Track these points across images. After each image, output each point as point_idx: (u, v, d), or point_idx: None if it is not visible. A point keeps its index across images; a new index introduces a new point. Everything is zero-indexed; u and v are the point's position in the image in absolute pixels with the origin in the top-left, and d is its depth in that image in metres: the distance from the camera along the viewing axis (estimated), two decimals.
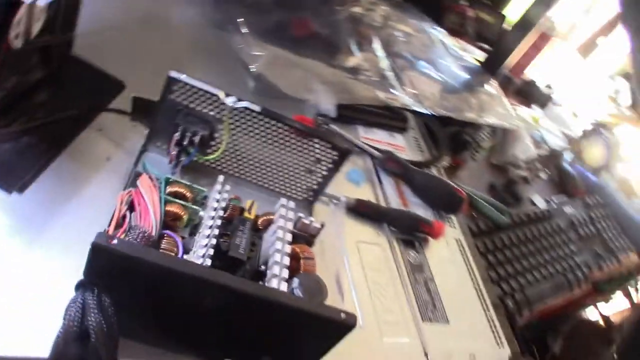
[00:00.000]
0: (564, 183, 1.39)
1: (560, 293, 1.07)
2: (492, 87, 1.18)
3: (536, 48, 1.46)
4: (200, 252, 0.51)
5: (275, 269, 0.53)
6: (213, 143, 0.64)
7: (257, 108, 0.60)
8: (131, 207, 0.54)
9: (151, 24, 0.86)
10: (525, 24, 1.15)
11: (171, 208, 0.55)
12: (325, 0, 0.98)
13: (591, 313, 1.47)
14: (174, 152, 0.62)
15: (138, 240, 0.48)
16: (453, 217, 0.90)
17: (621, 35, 2.33)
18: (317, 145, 0.65)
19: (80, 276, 0.49)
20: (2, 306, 0.48)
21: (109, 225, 0.51)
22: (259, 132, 0.63)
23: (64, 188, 0.59)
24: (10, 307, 0.48)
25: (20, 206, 0.55)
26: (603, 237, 1.29)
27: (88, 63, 0.72)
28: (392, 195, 0.84)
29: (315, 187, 0.70)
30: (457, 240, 0.87)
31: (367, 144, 0.86)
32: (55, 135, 0.63)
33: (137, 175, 0.59)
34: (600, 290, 1.27)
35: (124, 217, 0.52)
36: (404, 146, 0.95)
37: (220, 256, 0.54)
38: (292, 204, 0.60)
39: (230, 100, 0.60)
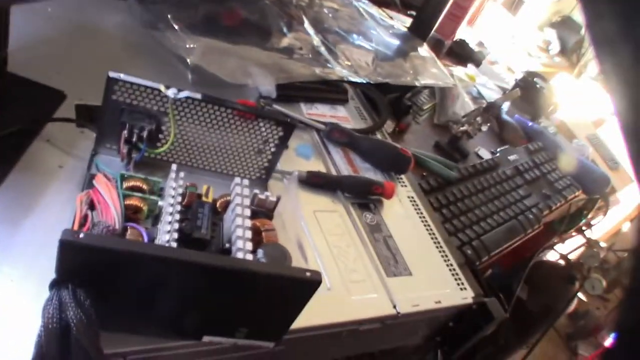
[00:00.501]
0: (505, 133, 1.45)
1: (514, 236, 1.12)
2: (424, 50, 1.23)
3: (461, 8, 1.51)
4: (165, 238, 0.53)
5: (239, 243, 0.56)
6: (162, 136, 0.66)
7: (198, 96, 0.63)
8: (92, 207, 0.56)
9: (82, 33, 0.86)
10: None
11: (130, 201, 0.57)
12: None
13: (550, 255, 1.55)
14: (124, 150, 0.64)
15: (103, 234, 0.50)
16: (403, 177, 0.94)
17: None
18: (262, 125, 0.68)
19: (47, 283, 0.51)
20: None
21: (72, 225, 0.53)
22: (204, 119, 0.65)
23: (21, 201, 0.60)
24: None
25: None
26: (548, 179, 1.36)
27: (25, 78, 0.73)
28: (341, 164, 0.87)
29: (266, 165, 0.72)
30: (410, 197, 0.91)
31: (311, 119, 0.89)
32: (4, 152, 0.64)
33: (92, 177, 0.61)
34: (554, 230, 1.35)
35: (85, 216, 0.54)
36: (347, 117, 0.98)
37: (185, 239, 0.56)
38: (246, 181, 0.63)
39: (171, 92, 0.62)
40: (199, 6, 0.92)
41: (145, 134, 0.64)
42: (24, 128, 0.67)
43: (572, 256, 1.64)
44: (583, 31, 2.62)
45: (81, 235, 0.43)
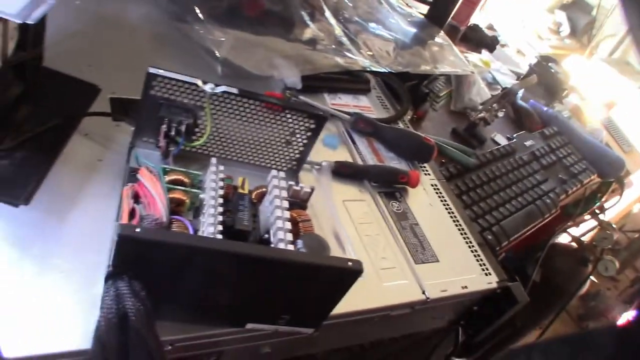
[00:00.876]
0: (520, 119, 1.46)
1: (532, 221, 1.14)
2: (441, 38, 1.24)
3: None
4: (210, 230, 0.55)
5: (280, 234, 0.58)
6: (198, 130, 0.67)
7: (234, 90, 0.64)
8: (136, 199, 0.58)
9: (109, 25, 0.88)
10: None
11: (174, 195, 0.59)
12: None
13: (563, 238, 1.57)
14: (163, 144, 0.65)
15: (153, 227, 0.52)
16: (426, 165, 0.95)
17: None
18: (289, 117, 0.69)
19: (99, 270, 0.53)
20: (33, 306, 0.51)
21: (120, 218, 0.55)
22: (239, 113, 0.67)
23: (65, 195, 0.62)
24: (39, 306, 0.52)
25: (30, 217, 0.58)
26: (564, 163, 1.37)
27: (59, 72, 0.74)
28: (367, 153, 0.89)
29: (298, 156, 0.74)
30: (434, 185, 0.92)
31: (336, 109, 0.90)
32: (46, 146, 0.66)
33: (133, 170, 0.63)
34: (569, 214, 1.36)
35: (132, 209, 0.56)
36: (370, 106, 1.00)
37: (228, 231, 0.58)
38: (282, 174, 0.65)
39: (208, 87, 0.63)
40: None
41: (183, 128, 0.66)
42: (62, 123, 0.69)
43: (585, 238, 1.67)
44: (594, 12, 2.61)
45: (138, 230, 0.45)
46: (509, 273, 0.91)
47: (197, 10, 0.84)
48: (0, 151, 0.63)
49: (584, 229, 1.70)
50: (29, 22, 0.44)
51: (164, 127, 0.65)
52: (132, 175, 0.62)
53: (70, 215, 0.60)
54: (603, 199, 1.53)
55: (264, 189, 0.66)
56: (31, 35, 0.65)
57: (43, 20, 0.67)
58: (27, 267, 0.54)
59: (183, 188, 0.60)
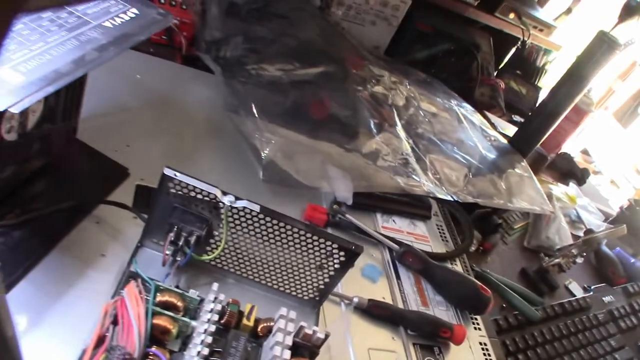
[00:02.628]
0: (602, 268, 1.30)
1: None
2: (522, 168, 1.12)
3: (572, 122, 1.40)
4: None
5: None
6: (212, 241, 0.60)
7: (256, 208, 0.56)
8: (115, 321, 0.50)
9: (164, 104, 0.84)
10: (558, 106, 1.10)
11: (159, 321, 0.51)
12: (344, 80, 0.95)
13: None
14: (168, 252, 0.58)
15: None
16: (478, 317, 0.83)
17: None
18: (318, 245, 0.60)
19: None
20: None
21: (91, 340, 0.47)
22: (260, 231, 0.59)
23: (51, 289, 0.55)
24: None
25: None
26: None
27: (92, 148, 0.70)
28: (410, 293, 0.77)
29: (322, 287, 0.64)
30: (482, 343, 0.79)
31: (385, 235, 0.81)
32: (50, 228, 0.60)
33: (130, 277, 0.55)
34: None
35: (106, 331, 0.48)
36: (426, 235, 0.89)
37: None
38: (293, 313, 0.55)
39: (227, 199, 0.56)
40: (289, 92, 0.88)
41: (193, 239, 0.58)
42: (76, 206, 0.63)
43: None
44: None
45: None
46: None
47: (252, 104, 0.79)
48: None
49: None
50: (15, 110, 0.39)
51: (171, 235, 0.57)
52: (124, 285, 0.54)
53: (48, 316, 0.53)
54: None
55: (272, 323, 0.57)
56: (61, 107, 0.61)
57: (79, 94, 0.64)
58: None
59: (172, 314, 0.52)
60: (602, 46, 1.04)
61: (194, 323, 0.53)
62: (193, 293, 0.54)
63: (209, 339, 0.50)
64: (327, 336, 0.56)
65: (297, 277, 0.64)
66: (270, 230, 0.58)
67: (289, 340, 0.53)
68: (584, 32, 1.71)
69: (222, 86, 0.83)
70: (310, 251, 0.61)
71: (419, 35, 1.30)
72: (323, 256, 0.61)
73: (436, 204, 0.95)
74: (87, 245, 0.61)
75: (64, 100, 0.60)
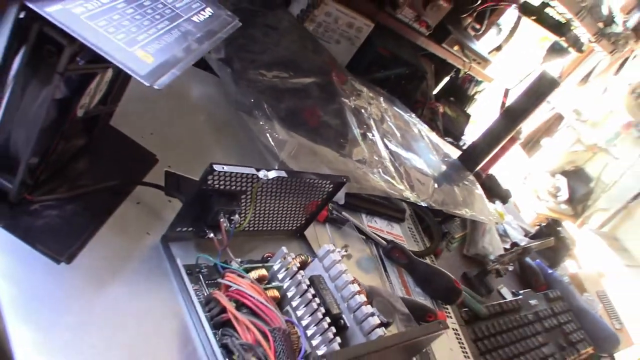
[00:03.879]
0: (526, 276, 1.46)
1: None
2: (471, 182, 1.26)
3: (503, 148, 1.57)
4: (329, 336, 0.58)
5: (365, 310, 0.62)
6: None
7: (283, 174, 0.66)
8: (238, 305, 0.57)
9: (175, 97, 0.88)
10: (502, 132, 1.25)
11: (271, 294, 0.59)
12: (331, 92, 1.03)
13: None
14: (222, 236, 0.63)
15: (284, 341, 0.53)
16: (449, 307, 0.94)
17: (562, 139, 2.53)
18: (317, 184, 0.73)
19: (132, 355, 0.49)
20: None
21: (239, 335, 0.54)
22: (279, 189, 0.69)
23: (107, 262, 0.59)
24: None
25: (68, 278, 0.54)
26: (564, 329, 1.36)
27: (123, 134, 0.73)
28: (396, 284, 0.87)
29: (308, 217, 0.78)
30: (454, 329, 0.90)
31: (373, 233, 0.90)
32: (98, 205, 0.63)
33: (191, 268, 0.62)
34: None
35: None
36: (402, 235, 0.99)
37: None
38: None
39: (262, 174, 0.63)
40: (285, 99, 0.95)
41: (235, 217, 0.64)
42: (118, 185, 0.67)
43: None
44: (593, 184, 2.71)
45: None
46: None
47: (266, 106, 0.85)
48: (52, 200, 0.60)
49: None
50: (156, 86, 0.43)
51: (222, 219, 0.62)
52: (204, 275, 0.63)
53: (109, 287, 0.56)
54: None
55: (305, 258, 0.69)
56: (113, 93, 0.64)
57: (128, 81, 0.67)
58: (60, 334, 0.49)
59: (273, 285, 0.60)
60: (544, 84, 1.20)
61: (286, 283, 0.62)
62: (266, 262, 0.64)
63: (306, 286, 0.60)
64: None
65: (293, 214, 0.75)
66: (287, 186, 0.69)
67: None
68: (512, 68, 1.92)
69: (233, 86, 0.88)
70: (313, 190, 0.72)
71: (377, 57, 1.41)
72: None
73: (408, 209, 1.06)
74: (133, 224, 0.64)
75: (118, 86, 0.64)
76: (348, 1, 1.29)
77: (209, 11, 0.59)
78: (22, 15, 0.43)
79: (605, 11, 1.27)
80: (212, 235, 0.63)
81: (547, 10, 1.39)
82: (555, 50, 1.62)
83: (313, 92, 1.00)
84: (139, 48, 0.46)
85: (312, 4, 1.25)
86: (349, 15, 1.30)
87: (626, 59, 2.17)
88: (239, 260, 0.62)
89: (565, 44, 1.47)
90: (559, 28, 1.41)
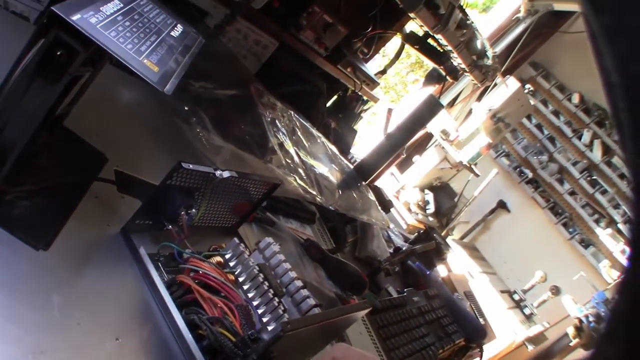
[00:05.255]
0: (408, 277, 1.64)
1: None
2: (366, 189, 1.41)
3: (389, 163, 1.75)
4: (279, 312, 0.67)
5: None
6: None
7: (235, 174, 0.75)
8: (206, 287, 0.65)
9: (112, 100, 0.93)
10: (393, 147, 1.43)
11: (231, 276, 0.68)
12: (250, 104, 1.13)
13: None
14: (170, 227, 0.70)
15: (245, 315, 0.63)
16: (355, 297, 1.06)
17: (431, 157, 2.79)
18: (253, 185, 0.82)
19: (111, 329, 0.56)
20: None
21: (205, 311, 0.63)
22: (227, 188, 0.77)
23: (79, 249, 0.64)
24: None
25: (48, 264, 0.59)
26: (441, 322, 1.55)
27: (76, 134, 0.77)
28: (313, 276, 0.98)
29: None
30: (362, 318, 1.03)
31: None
32: (63, 198, 0.68)
33: (156, 256, 0.69)
34: None
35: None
36: (312, 236, 1.11)
37: None
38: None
39: (218, 173, 0.71)
40: (209, 108, 1.03)
41: (193, 211, 0.72)
42: (79, 180, 0.71)
43: None
44: (456, 199, 3.02)
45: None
46: None
47: (202, 114, 0.93)
48: (23, 191, 0.64)
49: None
50: (166, 92, 0.51)
51: (183, 213, 0.70)
52: (162, 263, 0.69)
53: (85, 271, 0.62)
54: None
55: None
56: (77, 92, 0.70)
57: (88, 85, 0.72)
58: (49, 312, 0.55)
59: (227, 271, 0.68)
60: (431, 106, 1.38)
61: (238, 269, 0.70)
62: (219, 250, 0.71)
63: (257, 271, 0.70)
64: None
65: (231, 212, 0.84)
66: (232, 186, 0.78)
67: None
68: (393, 91, 2.12)
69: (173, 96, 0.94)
70: (252, 189, 0.82)
71: (280, 74, 1.53)
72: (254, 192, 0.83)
73: (317, 212, 1.18)
74: (94, 216, 0.70)
75: (80, 88, 0.70)
76: (256, 20, 1.39)
77: (180, 27, 0.67)
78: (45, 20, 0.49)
79: (479, 46, 1.48)
80: (170, 227, 0.71)
81: (429, 41, 1.58)
82: (433, 77, 1.83)
83: (235, 103, 1.09)
84: (145, 58, 0.53)
85: (226, 21, 1.33)
86: (257, 33, 1.40)
87: (487, 88, 2.48)
88: (190, 251, 0.70)
89: (443, 72, 1.67)
90: (438, 57, 1.61)
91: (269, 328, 0.67)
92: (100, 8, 0.52)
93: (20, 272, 0.56)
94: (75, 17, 0.48)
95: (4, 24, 0.82)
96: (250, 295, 0.69)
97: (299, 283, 0.74)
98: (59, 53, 0.51)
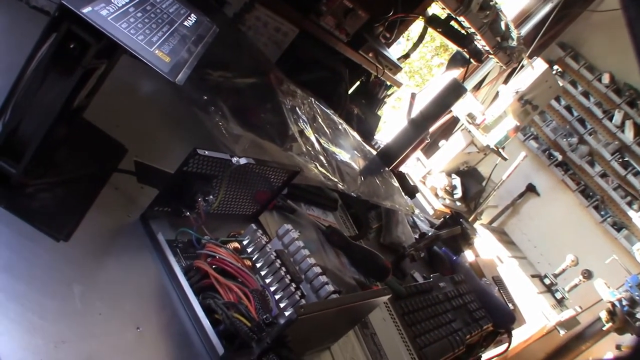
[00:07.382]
0: (433, 262, 1.63)
1: (446, 352, 1.26)
2: (389, 175, 1.40)
3: (414, 148, 1.73)
4: (296, 298, 0.68)
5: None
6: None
7: (252, 161, 0.75)
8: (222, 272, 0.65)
9: (131, 92, 0.93)
10: (416, 132, 1.41)
11: (248, 262, 0.69)
12: (270, 92, 1.13)
13: None
14: (188, 214, 0.71)
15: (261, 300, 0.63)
16: (379, 284, 1.06)
17: (457, 141, 2.76)
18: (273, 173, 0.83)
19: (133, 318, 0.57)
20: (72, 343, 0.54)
21: (221, 296, 0.64)
22: (245, 175, 0.78)
23: (100, 240, 0.65)
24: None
25: (68, 255, 0.60)
26: (469, 308, 1.53)
27: (95, 126, 0.78)
28: (336, 264, 0.98)
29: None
30: (386, 304, 1.03)
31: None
32: (83, 190, 0.69)
33: (174, 242, 0.70)
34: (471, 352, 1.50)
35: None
36: (335, 223, 1.10)
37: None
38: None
39: (235, 160, 0.72)
40: (230, 97, 1.03)
41: (210, 197, 0.72)
42: (98, 172, 0.72)
43: None
44: (484, 183, 2.98)
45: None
46: None
47: (221, 103, 0.93)
48: (44, 184, 0.65)
49: None
50: (178, 82, 0.51)
51: (200, 199, 0.70)
52: (180, 249, 0.70)
53: (106, 261, 0.63)
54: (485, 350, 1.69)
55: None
56: (95, 85, 0.70)
57: (107, 75, 0.73)
58: (70, 302, 0.56)
59: (244, 257, 0.68)
60: (454, 90, 1.36)
61: (255, 255, 0.71)
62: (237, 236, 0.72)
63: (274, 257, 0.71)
64: None
65: (251, 200, 0.84)
66: (250, 173, 0.78)
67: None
68: (418, 75, 2.09)
69: (186, 84, 0.95)
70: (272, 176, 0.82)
71: (301, 61, 1.52)
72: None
73: (340, 199, 1.18)
74: (114, 207, 0.71)
75: (97, 80, 0.70)
76: (276, 8, 1.38)
77: (193, 17, 0.67)
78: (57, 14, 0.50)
79: (503, 27, 1.45)
80: (188, 213, 0.71)
81: (452, 23, 1.56)
82: (457, 60, 1.80)
83: (254, 91, 1.09)
84: (156, 49, 0.53)
85: (245, 9, 1.33)
86: (277, 20, 1.40)
87: (514, 70, 2.43)
88: (207, 237, 0.70)
89: (466, 55, 1.65)
90: (461, 40, 1.58)
91: (286, 313, 0.67)
92: (112, 0, 0.53)
93: (41, 263, 0.57)
94: (86, 10, 0.48)
95: (26, 20, 0.84)
96: (267, 280, 0.69)
97: (317, 269, 0.74)
98: (71, 46, 0.52)
